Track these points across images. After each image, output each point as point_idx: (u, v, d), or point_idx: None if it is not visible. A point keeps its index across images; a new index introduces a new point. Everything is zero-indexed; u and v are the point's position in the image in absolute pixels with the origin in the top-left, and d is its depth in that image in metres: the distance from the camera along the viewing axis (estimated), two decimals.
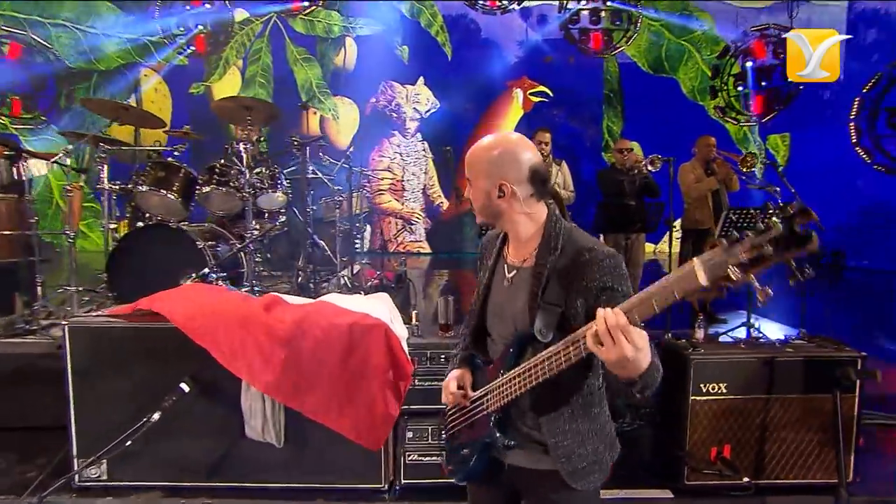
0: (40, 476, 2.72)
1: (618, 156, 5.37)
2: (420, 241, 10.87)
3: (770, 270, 0.95)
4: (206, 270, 3.39)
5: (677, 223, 5.49)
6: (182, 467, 2.65)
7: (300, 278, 3.90)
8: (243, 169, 3.60)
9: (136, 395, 2.61)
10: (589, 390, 1.44)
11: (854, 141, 8.64)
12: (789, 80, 9.39)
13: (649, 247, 8.02)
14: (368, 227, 9.48)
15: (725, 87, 9.96)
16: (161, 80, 10.08)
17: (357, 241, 5.91)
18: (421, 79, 10.53)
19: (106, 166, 3.92)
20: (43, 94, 9.42)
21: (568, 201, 5.07)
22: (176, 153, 3.83)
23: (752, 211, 4.17)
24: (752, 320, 3.78)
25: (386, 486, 2.67)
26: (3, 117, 8.92)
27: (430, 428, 2.66)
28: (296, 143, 3.94)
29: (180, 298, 2.63)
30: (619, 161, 5.29)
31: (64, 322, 2.69)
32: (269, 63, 10.30)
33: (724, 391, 2.58)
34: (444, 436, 1.72)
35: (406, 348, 2.58)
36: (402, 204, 10.75)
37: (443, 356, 2.66)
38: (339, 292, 3.77)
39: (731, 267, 0.94)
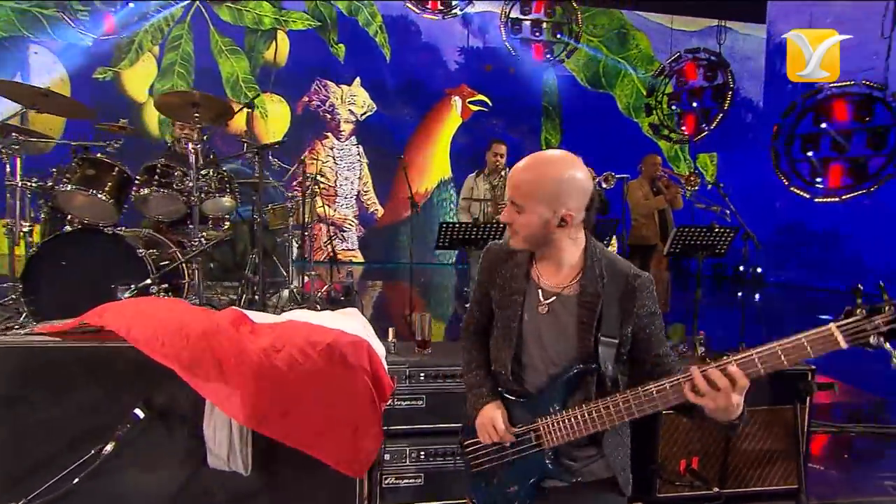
0: None
1: None
2: (353, 250, 10.76)
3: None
4: (149, 281, 3.19)
5: (614, 241, 5.86)
6: None
7: (248, 290, 3.76)
8: (190, 171, 3.44)
9: (71, 426, 2.41)
10: None
11: (774, 164, 9.62)
12: (717, 101, 10.36)
13: None
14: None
15: (660, 106, 10.75)
16: (56, 61, 9.30)
17: (295, 250, 5.79)
18: (357, 79, 10.49)
19: (19, 160, 3.60)
20: None
21: None
22: (109, 149, 3.58)
23: (701, 229, 4.54)
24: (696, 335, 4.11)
25: None
26: None
27: (407, 449, 2.66)
28: (246, 143, 3.80)
29: (135, 313, 2.46)
30: None
31: None
32: (189, 52, 9.84)
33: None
34: (470, 472, 1.66)
35: (386, 366, 2.58)
36: (335, 210, 10.61)
37: (422, 374, 2.69)
38: (293, 306, 3.69)
39: (872, 335, 1.11)
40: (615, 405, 1.35)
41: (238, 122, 9.45)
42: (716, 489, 2.69)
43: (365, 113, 10.56)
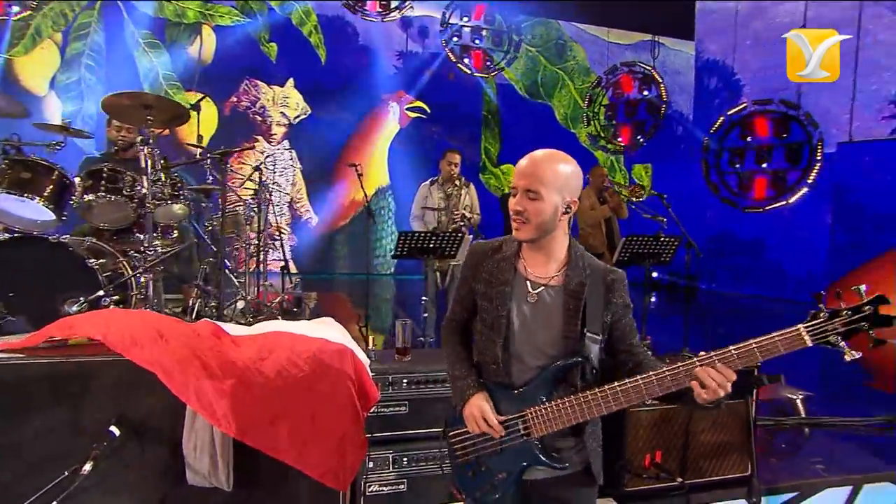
0: None
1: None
2: (279, 260, 10.62)
3: None
4: (101, 293, 3.14)
5: None
6: None
7: (202, 301, 3.74)
8: (142, 176, 3.41)
9: (29, 449, 2.38)
10: None
11: (704, 175, 10.51)
12: (651, 114, 11.18)
13: None
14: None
15: (596, 117, 11.45)
16: None
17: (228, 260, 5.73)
18: (291, 81, 10.43)
19: None
20: None
21: (475, 224, 5.51)
22: (48, 150, 3.46)
23: (647, 239, 4.99)
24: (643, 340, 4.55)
25: None
26: None
27: (391, 456, 2.80)
28: (200, 149, 3.79)
29: (109, 319, 2.47)
30: None
31: None
32: (100, 43, 9.40)
33: (657, 402, 3.13)
34: (456, 461, 1.77)
35: (371, 374, 2.71)
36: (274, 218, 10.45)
37: (405, 380, 2.85)
38: (250, 317, 3.72)
39: (832, 335, 1.39)
40: (613, 392, 1.53)
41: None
42: (679, 480, 3.03)
43: (298, 116, 10.50)
